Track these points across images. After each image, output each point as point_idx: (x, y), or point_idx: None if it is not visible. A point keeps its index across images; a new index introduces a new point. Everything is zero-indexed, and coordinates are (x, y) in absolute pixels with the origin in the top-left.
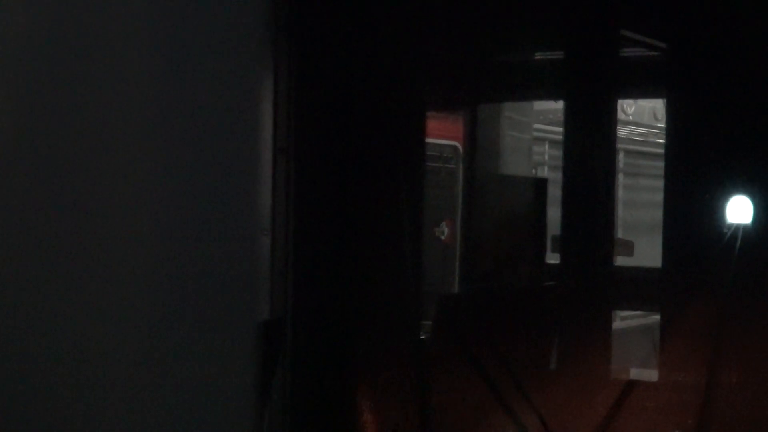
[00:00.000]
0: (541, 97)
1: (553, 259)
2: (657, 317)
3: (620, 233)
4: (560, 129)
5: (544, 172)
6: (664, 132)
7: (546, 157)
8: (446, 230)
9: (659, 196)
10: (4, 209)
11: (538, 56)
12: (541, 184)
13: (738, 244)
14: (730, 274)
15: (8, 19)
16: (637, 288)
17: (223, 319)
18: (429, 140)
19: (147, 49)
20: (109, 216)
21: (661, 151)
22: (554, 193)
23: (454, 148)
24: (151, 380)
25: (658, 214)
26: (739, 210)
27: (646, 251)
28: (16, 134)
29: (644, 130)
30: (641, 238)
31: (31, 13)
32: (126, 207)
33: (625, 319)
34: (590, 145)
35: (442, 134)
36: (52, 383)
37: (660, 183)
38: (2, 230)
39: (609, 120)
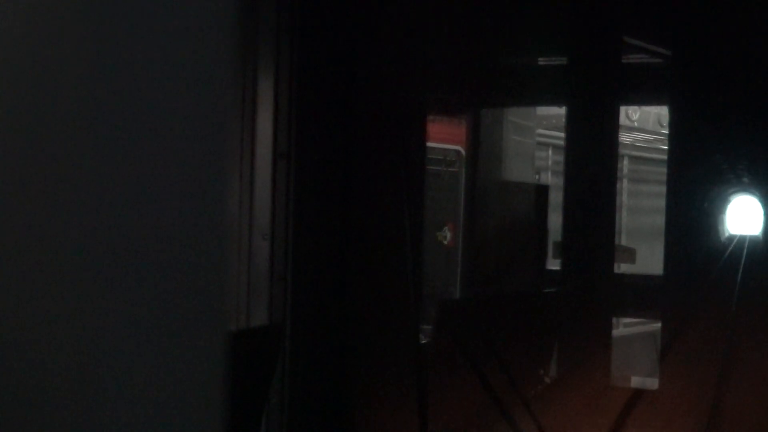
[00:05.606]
0: (544, 103)
1: (554, 265)
2: (658, 325)
3: (624, 239)
4: (563, 134)
5: (547, 177)
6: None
7: (549, 162)
8: (448, 234)
9: (664, 203)
10: None
11: (542, 61)
12: (543, 190)
13: (741, 252)
14: (734, 282)
15: None
16: (639, 295)
17: (220, 323)
18: (432, 144)
19: (146, 51)
20: (107, 219)
21: (666, 157)
22: (557, 198)
23: (457, 152)
24: (143, 386)
25: (663, 221)
26: (742, 217)
27: (650, 258)
28: (3, 137)
29: (649, 137)
30: (646, 245)
31: (20, 14)
32: (120, 210)
33: (627, 326)
34: (593, 151)
35: (445, 138)
36: (28, 390)
37: (664, 189)
38: None
39: (612, 126)
